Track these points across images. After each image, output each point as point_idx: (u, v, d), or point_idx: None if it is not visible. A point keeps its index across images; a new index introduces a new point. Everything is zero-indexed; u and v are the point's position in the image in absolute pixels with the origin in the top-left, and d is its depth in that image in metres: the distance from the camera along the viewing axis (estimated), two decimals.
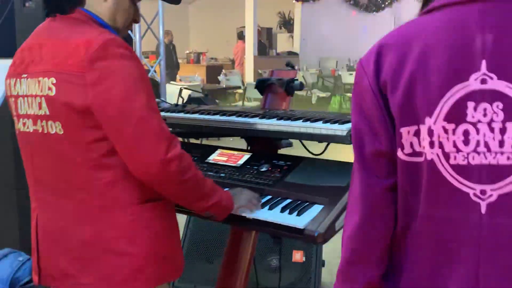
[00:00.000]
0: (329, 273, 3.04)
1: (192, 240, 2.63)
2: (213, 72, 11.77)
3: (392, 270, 0.93)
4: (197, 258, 2.60)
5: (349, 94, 10.35)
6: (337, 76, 10.49)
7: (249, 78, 10.36)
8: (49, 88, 1.19)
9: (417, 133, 0.83)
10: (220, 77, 9.63)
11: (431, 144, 0.81)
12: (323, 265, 2.63)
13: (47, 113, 1.21)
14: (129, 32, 1.66)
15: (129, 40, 1.09)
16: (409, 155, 0.84)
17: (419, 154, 0.84)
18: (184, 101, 3.45)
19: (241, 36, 11.60)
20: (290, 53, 11.91)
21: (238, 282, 1.82)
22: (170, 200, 1.31)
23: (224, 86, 9.02)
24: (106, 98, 1.12)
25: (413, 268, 0.89)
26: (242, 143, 1.90)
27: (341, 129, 1.43)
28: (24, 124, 1.29)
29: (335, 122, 1.48)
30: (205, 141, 2.04)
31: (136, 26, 3.17)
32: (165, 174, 1.16)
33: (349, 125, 1.45)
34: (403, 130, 0.84)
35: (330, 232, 1.32)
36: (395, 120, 0.85)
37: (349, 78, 10.29)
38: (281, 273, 2.05)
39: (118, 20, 1.30)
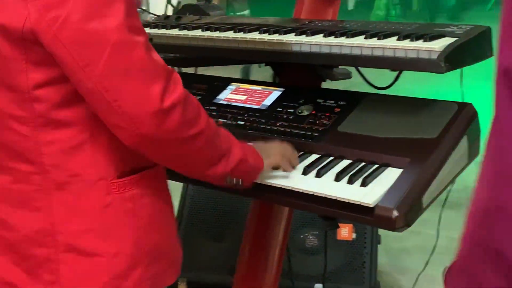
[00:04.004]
0: (387, 253, 2.96)
1: (193, 212, 2.59)
2: None
3: None
4: (201, 236, 2.57)
5: None
6: None
7: None
8: None
9: None
10: None
11: None
12: (379, 242, 2.56)
13: None
14: None
15: None
16: None
17: None
18: (175, 10, 3.27)
19: None
20: None
21: (269, 271, 1.81)
22: (168, 168, 1.25)
23: None
24: (59, 16, 1.03)
25: None
26: (260, 74, 1.79)
27: (431, 49, 1.30)
28: None
29: (418, 38, 1.35)
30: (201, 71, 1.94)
31: None
32: (162, 132, 1.10)
33: (442, 42, 1.32)
34: None
35: (415, 211, 1.23)
36: None
37: None
38: (326, 257, 1.98)
39: None
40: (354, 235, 2.44)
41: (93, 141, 1.15)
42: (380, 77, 1.63)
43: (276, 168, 1.34)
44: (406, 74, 1.55)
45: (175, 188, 2.40)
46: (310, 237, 2.48)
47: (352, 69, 1.64)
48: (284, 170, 1.34)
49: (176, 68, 2.08)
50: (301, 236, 2.49)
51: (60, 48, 1.04)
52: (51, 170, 1.15)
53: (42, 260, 1.19)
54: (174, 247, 1.31)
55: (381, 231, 2.59)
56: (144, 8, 2.80)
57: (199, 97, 1.68)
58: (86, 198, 1.17)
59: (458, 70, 1.40)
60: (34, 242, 1.18)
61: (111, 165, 1.17)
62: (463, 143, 1.35)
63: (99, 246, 1.18)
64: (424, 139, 1.33)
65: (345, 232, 2.43)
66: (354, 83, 1.81)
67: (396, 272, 2.92)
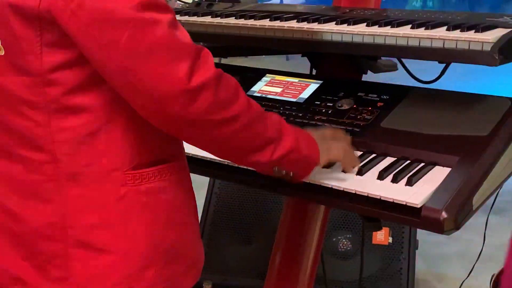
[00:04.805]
0: (424, 259, 2.95)
1: (219, 210, 2.59)
2: None
3: None
4: (227, 237, 2.58)
5: None
6: None
7: None
8: None
9: None
10: None
11: None
12: (417, 248, 2.57)
13: None
14: None
15: None
16: None
17: None
18: None
19: None
20: None
21: (302, 276, 1.80)
22: (210, 152, 1.24)
23: None
24: None
25: None
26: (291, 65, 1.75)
27: (483, 40, 1.27)
28: None
29: (470, 29, 1.33)
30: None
31: None
32: (190, 114, 1.09)
33: (495, 33, 1.29)
34: None
35: (464, 213, 1.20)
36: None
37: None
38: (363, 261, 1.98)
39: None
40: (390, 239, 2.43)
41: (108, 130, 1.14)
42: (423, 72, 1.62)
43: (332, 164, 1.31)
44: (450, 69, 1.54)
45: (201, 185, 2.40)
46: (344, 240, 2.48)
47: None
48: (344, 170, 1.31)
49: None
50: (334, 239, 2.49)
51: (78, 28, 1.04)
52: (63, 159, 1.14)
53: (51, 255, 1.18)
54: (194, 248, 1.30)
55: (419, 236, 2.58)
56: None
57: None
58: (99, 190, 1.16)
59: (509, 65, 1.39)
60: (44, 236, 1.18)
61: (126, 155, 1.16)
62: None
63: (111, 242, 1.17)
64: (474, 136, 1.31)
65: (381, 236, 2.41)
66: (396, 77, 1.80)
67: (435, 280, 2.90)
